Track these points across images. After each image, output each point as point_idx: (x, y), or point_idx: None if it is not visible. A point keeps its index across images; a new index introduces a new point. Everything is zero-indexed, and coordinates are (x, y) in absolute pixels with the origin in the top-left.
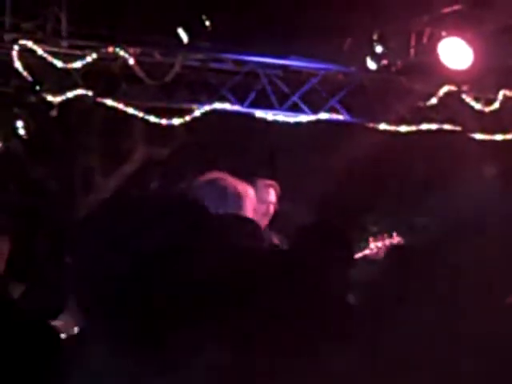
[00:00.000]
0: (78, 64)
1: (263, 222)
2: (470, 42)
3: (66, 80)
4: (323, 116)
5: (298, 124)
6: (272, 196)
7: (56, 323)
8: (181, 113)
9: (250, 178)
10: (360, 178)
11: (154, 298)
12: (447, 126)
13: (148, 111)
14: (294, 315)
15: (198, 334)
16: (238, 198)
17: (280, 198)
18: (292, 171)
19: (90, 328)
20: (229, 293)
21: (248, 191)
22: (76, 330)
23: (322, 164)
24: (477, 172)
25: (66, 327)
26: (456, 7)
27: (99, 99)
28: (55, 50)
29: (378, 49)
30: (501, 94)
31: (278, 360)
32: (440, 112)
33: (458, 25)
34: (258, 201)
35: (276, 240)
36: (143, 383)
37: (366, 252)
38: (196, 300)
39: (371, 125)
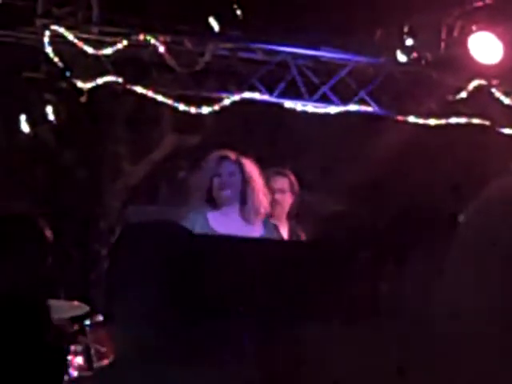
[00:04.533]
0: (108, 51)
1: (275, 212)
2: (500, 36)
3: (96, 66)
4: (352, 107)
5: (327, 115)
6: (279, 184)
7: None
8: (210, 101)
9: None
10: (389, 171)
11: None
12: (476, 120)
13: (177, 99)
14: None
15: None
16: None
17: (308, 189)
18: (321, 162)
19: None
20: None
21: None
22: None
23: (351, 155)
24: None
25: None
26: (487, 1)
27: (129, 86)
28: (86, 36)
29: (409, 41)
30: None
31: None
32: (469, 106)
33: (489, 19)
34: (268, 190)
35: (302, 233)
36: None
37: None
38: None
39: (400, 117)
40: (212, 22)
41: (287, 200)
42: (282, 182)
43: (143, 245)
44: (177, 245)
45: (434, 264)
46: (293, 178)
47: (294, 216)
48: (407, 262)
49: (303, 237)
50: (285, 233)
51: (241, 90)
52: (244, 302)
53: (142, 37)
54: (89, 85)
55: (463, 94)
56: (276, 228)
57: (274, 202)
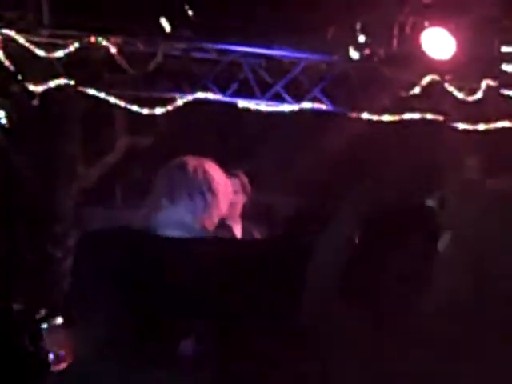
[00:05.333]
0: (59, 53)
1: (229, 213)
2: (452, 31)
3: (47, 69)
4: (306, 105)
5: (280, 114)
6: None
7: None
8: (163, 102)
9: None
10: (342, 168)
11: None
12: (430, 116)
13: (130, 101)
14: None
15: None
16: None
17: (262, 189)
18: (274, 162)
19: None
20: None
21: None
22: (59, 320)
23: (305, 154)
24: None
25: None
26: None
27: (81, 88)
28: (37, 39)
29: (361, 38)
30: (484, 84)
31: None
32: (423, 102)
33: (441, 14)
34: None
35: (256, 232)
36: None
37: None
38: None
39: (354, 114)
40: (163, 22)
41: (239, 200)
42: (233, 184)
43: (100, 253)
44: (131, 251)
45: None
46: (244, 178)
47: (247, 216)
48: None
49: (257, 236)
50: (238, 232)
51: (193, 90)
52: (201, 303)
53: (93, 39)
54: (41, 88)
55: (416, 90)
56: (229, 228)
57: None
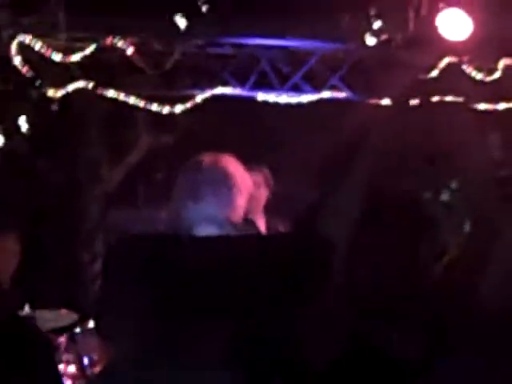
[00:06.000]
0: (76, 57)
1: (251, 207)
2: (468, 12)
3: (65, 74)
4: (325, 94)
5: (301, 105)
6: (253, 179)
7: (61, 312)
8: (183, 100)
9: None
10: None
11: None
12: (449, 98)
13: (150, 100)
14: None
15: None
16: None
17: (285, 182)
18: (297, 154)
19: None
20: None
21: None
22: (91, 324)
23: (326, 143)
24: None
25: (67, 317)
26: None
27: (100, 91)
28: (54, 43)
29: (377, 24)
30: (501, 63)
31: None
32: (442, 84)
33: None
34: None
35: (281, 225)
36: None
37: None
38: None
39: (373, 101)
40: (178, 19)
41: (262, 195)
42: (255, 178)
43: (131, 260)
44: (164, 256)
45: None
46: (266, 173)
47: (270, 210)
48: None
49: (281, 228)
50: (262, 227)
51: (212, 86)
52: (232, 302)
53: (109, 40)
54: (59, 93)
55: (435, 73)
56: (253, 224)
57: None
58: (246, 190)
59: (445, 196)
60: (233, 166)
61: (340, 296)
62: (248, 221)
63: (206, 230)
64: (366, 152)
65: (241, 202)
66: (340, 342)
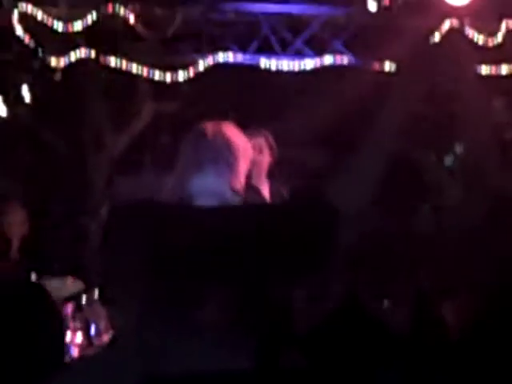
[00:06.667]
0: (78, 25)
1: (254, 172)
2: None
3: (67, 42)
4: (328, 59)
5: (304, 71)
6: (255, 143)
7: (67, 280)
8: (185, 67)
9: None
10: (365, 120)
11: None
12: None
13: (152, 68)
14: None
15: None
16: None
17: (289, 146)
18: (301, 118)
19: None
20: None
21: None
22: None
23: (329, 107)
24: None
25: (74, 285)
26: None
27: (102, 59)
28: (55, 12)
29: None
30: (503, 25)
31: None
32: (445, 48)
33: None
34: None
35: (285, 190)
36: None
37: None
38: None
39: (376, 65)
40: None
41: (265, 159)
42: (258, 142)
43: (130, 226)
44: (159, 222)
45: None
46: (269, 137)
47: (274, 174)
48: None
49: (285, 194)
50: (266, 193)
51: (214, 52)
52: (227, 269)
53: (110, 7)
54: (62, 62)
55: (436, 37)
56: (257, 190)
57: (252, 164)
58: (246, 157)
59: (448, 161)
60: (233, 133)
61: (339, 261)
62: (252, 188)
63: (206, 203)
64: (385, 118)
65: (242, 168)
66: (335, 306)
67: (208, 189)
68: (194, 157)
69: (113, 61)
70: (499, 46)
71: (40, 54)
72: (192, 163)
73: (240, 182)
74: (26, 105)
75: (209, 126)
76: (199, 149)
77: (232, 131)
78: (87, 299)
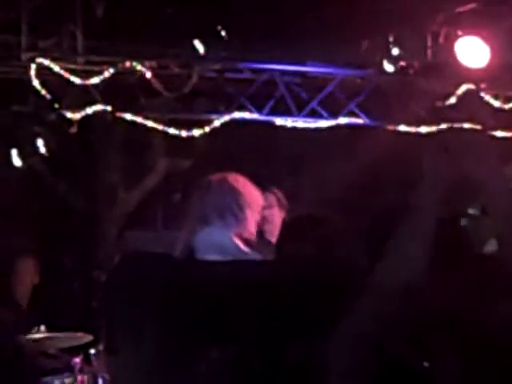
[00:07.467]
0: (95, 80)
1: (267, 228)
2: (486, 39)
3: (84, 96)
4: (342, 120)
5: (318, 130)
6: (265, 200)
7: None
8: (200, 124)
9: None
10: (383, 181)
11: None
12: (467, 125)
13: (168, 124)
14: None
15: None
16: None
17: (303, 205)
18: (316, 177)
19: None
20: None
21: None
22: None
23: (345, 168)
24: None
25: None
26: (471, 6)
27: (118, 114)
28: (72, 66)
29: (395, 51)
30: None
31: None
32: (459, 111)
33: (474, 23)
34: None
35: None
36: None
37: None
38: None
39: (391, 127)
40: (197, 44)
41: (276, 215)
42: (268, 198)
43: (137, 276)
44: (168, 275)
45: None
46: (278, 193)
47: None
48: None
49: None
50: None
51: (230, 111)
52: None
53: (128, 63)
54: (78, 115)
55: (453, 100)
56: (269, 243)
57: (263, 219)
58: (255, 207)
59: (463, 222)
60: (240, 182)
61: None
62: (266, 242)
63: (211, 257)
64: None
65: (251, 219)
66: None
67: (213, 244)
68: (200, 210)
69: (128, 116)
70: None
71: (56, 107)
72: (198, 217)
73: (250, 232)
74: (41, 157)
75: (215, 179)
76: (205, 202)
77: (239, 182)
78: (96, 351)
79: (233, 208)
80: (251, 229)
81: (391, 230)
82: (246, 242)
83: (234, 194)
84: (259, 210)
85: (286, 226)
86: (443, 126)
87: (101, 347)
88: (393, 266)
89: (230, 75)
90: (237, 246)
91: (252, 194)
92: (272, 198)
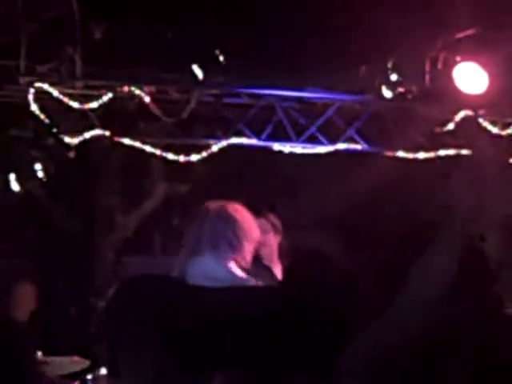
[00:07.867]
0: (94, 104)
1: (264, 253)
2: (484, 65)
3: (82, 121)
4: (341, 146)
5: (316, 155)
6: (259, 225)
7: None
8: (198, 149)
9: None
10: (382, 207)
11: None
12: (465, 152)
13: (166, 149)
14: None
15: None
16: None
17: (304, 229)
18: (313, 202)
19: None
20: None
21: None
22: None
23: (343, 193)
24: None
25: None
26: (469, 32)
27: (116, 139)
28: (71, 91)
29: (393, 77)
30: None
31: None
32: (457, 137)
33: (472, 49)
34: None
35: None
36: None
37: None
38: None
39: (389, 153)
40: (195, 69)
41: (271, 241)
42: (262, 224)
43: (137, 300)
44: (168, 298)
45: None
46: (273, 218)
47: (286, 257)
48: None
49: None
50: (279, 274)
51: (228, 136)
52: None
53: (126, 88)
54: (76, 140)
55: (451, 126)
56: (268, 269)
57: (259, 244)
58: (251, 236)
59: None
60: (239, 212)
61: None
62: (264, 268)
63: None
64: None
65: (247, 247)
66: None
67: (205, 273)
68: (195, 238)
69: (126, 141)
70: None
71: (54, 132)
72: (192, 245)
73: (246, 261)
74: (39, 182)
75: (213, 207)
76: (200, 231)
77: (238, 212)
78: (93, 377)
79: (229, 237)
80: (247, 258)
81: (399, 258)
82: (243, 268)
83: (232, 223)
84: (255, 243)
85: (289, 266)
86: (441, 152)
87: (98, 372)
88: (419, 281)
89: (228, 100)
90: (232, 274)
91: (250, 226)
92: (266, 224)
